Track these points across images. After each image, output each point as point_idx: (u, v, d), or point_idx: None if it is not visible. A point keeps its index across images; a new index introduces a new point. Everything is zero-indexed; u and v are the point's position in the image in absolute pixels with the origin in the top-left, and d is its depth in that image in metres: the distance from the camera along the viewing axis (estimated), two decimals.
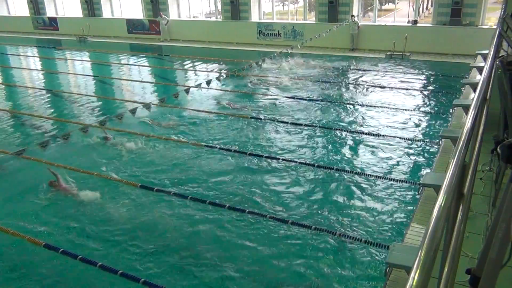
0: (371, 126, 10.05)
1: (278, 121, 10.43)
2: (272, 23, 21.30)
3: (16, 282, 5.25)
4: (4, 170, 8.06)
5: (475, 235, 4.24)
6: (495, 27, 11.57)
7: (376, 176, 7.46)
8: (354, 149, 8.84)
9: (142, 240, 5.93)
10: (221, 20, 22.92)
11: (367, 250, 5.53)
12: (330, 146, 9.07)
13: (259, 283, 5.16)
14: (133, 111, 8.51)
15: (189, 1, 24.18)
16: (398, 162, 8.07)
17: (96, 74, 17.39)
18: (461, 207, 2.04)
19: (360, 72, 15.76)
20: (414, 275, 1.09)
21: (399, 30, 18.02)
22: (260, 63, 13.16)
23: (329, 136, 9.60)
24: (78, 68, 19.00)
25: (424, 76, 15.13)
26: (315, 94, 12.91)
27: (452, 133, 5.36)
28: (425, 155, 8.44)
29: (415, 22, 18.50)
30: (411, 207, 6.30)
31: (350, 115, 11.05)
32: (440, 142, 7.54)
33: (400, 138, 9.15)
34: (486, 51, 7.03)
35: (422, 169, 7.73)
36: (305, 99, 12.32)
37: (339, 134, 9.65)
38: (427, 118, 10.62)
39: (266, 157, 8.37)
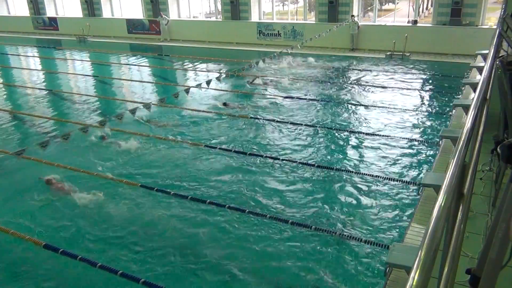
0: (371, 126, 10.04)
1: (278, 121, 10.43)
2: (272, 23, 21.31)
3: (16, 282, 5.26)
4: (4, 170, 8.06)
5: (475, 235, 4.24)
6: (495, 27, 11.57)
7: (376, 176, 7.46)
8: (354, 149, 8.84)
9: (142, 240, 5.93)
10: (221, 20, 22.92)
11: (367, 250, 5.53)
12: (330, 146, 9.07)
13: (259, 283, 5.16)
14: (133, 111, 8.51)
15: (189, 1, 24.18)
16: (398, 162, 8.07)
17: (96, 74, 17.39)
18: (461, 207, 2.04)
19: (360, 72, 15.76)
20: (414, 275, 1.09)
21: (399, 30, 18.02)
22: (259, 63, 13.14)
23: (329, 136, 9.60)
24: (78, 68, 19.00)
25: (424, 76, 15.12)
26: (315, 94, 12.92)
27: (452, 133, 5.35)
28: (425, 155, 8.44)
29: (415, 22, 18.50)
30: (411, 207, 6.29)
31: (350, 115, 11.05)
32: (440, 142, 7.53)
33: (400, 138, 9.15)
34: (486, 51, 7.03)
35: (422, 169, 7.73)
36: (305, 99, 12.32)
37: (339, 134, 9.65)
38: (427, 118, 10.62)
39: (266, 157, 8.38)
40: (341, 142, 9.31)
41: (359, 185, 7.21)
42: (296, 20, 23.20)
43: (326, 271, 5.23)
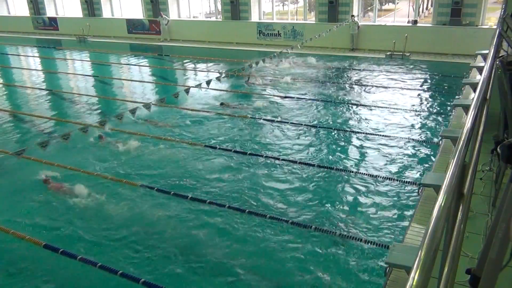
0: (371, 126, 10.04)
1: (278, 121, 10.43)
2: (272, 23, 21.31)
3: (16, 282, 5.25)
4: (5, 169, 8.06)
5: (475, 235, 4.24)
6: (495, 27, 11.57)
7: (376, 176, 7.46)
8: (354, 149, 8.84)
9: (142, 240, 5.93)
10: (221, 20, 22.92)
11: (367, 250, 5.53)
12: (330, 146, 9.07)
13: (258, 283, 5.15)
14: (133, 111, 8.51)
15: (189, 1, 24.18)
16: (398, 162, 8.07)
17: (96, 74, 17.39)
18: (461, 207, 2.04)
19: (360, 72, 15.76)
20: (414, 275, 1.09)
21: (399, 30, 18.02)
22: (259, 63, 13.14)
23: (329, 136, 9.60)
24: (78, 68, 19.00)
25: (424, 76, 15.12)
26: (315, 94, 12.92)
27: (452, 133, 5.35)
28: (425, 155, 8.44)
29: (415, 22, 18.50)
30: (411, 207, 6.30)
31: (350, 115, 11.06)
32: (440, 142, 7.54)
33: (400, 138, 9.16)
34: (486, 51, 7.03)
35: (422, 169, 7.73)
36: (305, 99, 12.32)
37: (339, 134, 9.65)
38: (427, 118, 10.62)
39: (266, 156, 8.38)
40: (341, 142, 9.31)
41: (359, 185, 7.21)
42: (296, 20, 23.20)
43: (326, 271, 5.23)
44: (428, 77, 14.97)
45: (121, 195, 7.10)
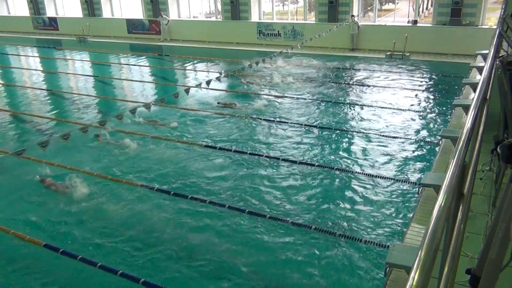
0: (371, 126, 10.04)
1: (277, 121, 10.43)
2: (272, 23, 21.30)
3: (16, 282, 5.26)
4: (5, 169, 8.06)
5: (475, 235, 4.23)
6: (495, 27, 11.57)
7: (376, 176, 7.46)
8: (353, 149, 8.83)
9: (142, 240, 5.93)
10: (221, 20, 22.92)
11: (367, 250, 5.53)
12: (330, 146, 9.07)
13: (258, 283, 5.16)
14: (133, 111, 8.51)
15: (189, 1, 24.18)
16: (398, 162, 8.07)
17: (96, 74, 17.40)
18: (461, 207, 2.04)
19: (360, 72, 15.76)
20: (414, 275, 1.09)
21: (399, 30, 18.02)
22: (259, 63, 13.13)
23: (329, 136, 9.60)
24: (78, 68, 19.00)
25: (424, 76, 15.12)
26: (315, 94, 12.91)
27: (452, 133, 5.35)
28: (425, 155, 8.44)
29: (415, 22, 18.50)
30: (411, 207, 6.30)
31: (350, 115, 11.06)
32: (440, 142, 7.54)
33: (400, 138, 9.16)
34: (486, 51, 7.03)
35: (422, 169, 7.73)
36: (305, 99, 12.32)
37: (339, 134, 9.65)
38: (427, 118, 10.62)
39: (266, 156, 8.38)
40: (341, 142, 9.31)
41: (359, 185, 7.21)
42: (296, 20, 23.20)
43: (326, 271, 5.23)
44: (428, 77, 14.96)
45: (121, 195, 7.10)
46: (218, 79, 11.21)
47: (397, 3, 22.04)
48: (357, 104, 11.80)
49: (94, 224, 6.34)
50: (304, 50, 17.48)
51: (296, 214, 6.40)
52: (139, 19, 24.79)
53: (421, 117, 10.64)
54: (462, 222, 2.00)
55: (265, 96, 12.84)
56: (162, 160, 8.39)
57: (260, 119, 10.64)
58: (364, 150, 8.70)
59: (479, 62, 8.99)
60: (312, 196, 6.97)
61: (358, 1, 19.47)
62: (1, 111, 12.23)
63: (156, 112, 11.04)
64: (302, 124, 10.16)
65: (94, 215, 6.57)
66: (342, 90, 13.45)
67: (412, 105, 11.63)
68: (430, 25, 18.30)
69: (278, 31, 20.85)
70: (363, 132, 9.58)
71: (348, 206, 6.66)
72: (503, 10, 8.65)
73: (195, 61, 19.01)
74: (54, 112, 12.34)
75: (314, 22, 20.50)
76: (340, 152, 8.73)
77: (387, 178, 7.38)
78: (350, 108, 11.56)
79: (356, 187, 7.18)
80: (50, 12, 28.21)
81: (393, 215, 6.35)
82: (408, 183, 7.22)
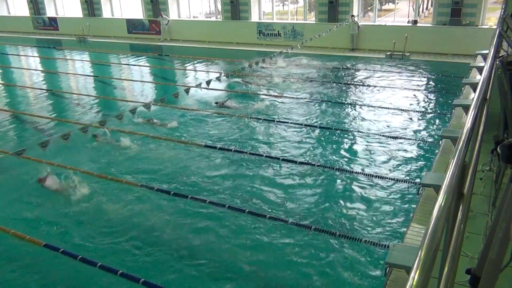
0: (371, 126, 10.04)
1: (277, 121, 10.43)
2: (272, 23, 21.30)
3: (16, 282, 5.26)
4: (5, 169, 8.06)
5: (475, 235, 4.23)
6: (495, 27, 11.57)
7: (376, 176, 7.46)
8: (354, 149, 8.83)
9: (142, 240, 5.93)
10: (221, 20, 22.92)
11: (367, 250, 5.53)
12: (330, 146, 9.07)
13: (258, 283, 5.16)
14: (133, 111, 8.51)
15: (189, 1, 24.18)
16: (398, 162, 8.07)
17: (96, 74, 17.40)
18: (461, 207, 2.04)
19: (360, 72, 15.76)
20: (414, 275, 1.09)
21: (399, 30, 18.02)
22: (259, 63, 13.14)
23: (329, 136, 9.60)
24: (78, 68, 18.99)
25: (424, 76, 15.12)
26: (315, 94, 12.91)
27: (452, 133, 5.34)
28: (425, 155, 8.44)
29: (415, 22, 18.49)
30: (411, 207, 6.30)
31: (350, 115, 11.05)
32: (440, 142, 7.53)
33: (400, 138, 9.16)
34: (486, 51, 7.03)
35: (422, 169, 7.73)
36: (305, 99, 12.32)
37: (339, 134, 9.65)
38: (427, 118, 10.62)
39: (266, 156, 8.38)
40: (341, 142, 9.31)
41: (359, 185, 7.21)
42: (296, 20, 23.19)
43: (325, 271, 5.23)
44: (428, 77, 14.96)
45: (121, 195, 7.10)
46: (218, 79, 11.21)
47: (397, 3, 22.04)
48: (357, 104, 11.80)
49: (94, 224, 6.34)
50: (304, 50, 17.48)
51: (296, 214, 6.40)
52: (139, 19, 24.79)
53: (421, 117, 10.64)
54: (462, 222, 2.00)
55: (265, 96, 12.85)
56: (162, 160, 8.39)
57: (260, 119, 10.63)
58: (364, 150, 8.69)
59: (479, 62, 8.98)
60: (312, 196, 6.97)
61: (358, 1, 19.47)
62: (1, 111, 12.22)
63: (156, 112, 11.04)
64: (302, 124, 10.16)
65: (94, 215, 6.57)
66: (342, 90, 13.45)
67: (412, 105, 11.63)
68: (430, 25, 18.30)
69: (278, 31, 20.85)
70: (363, 132, 9.58)
71: (348, 206, 6.66)
72: (503, 10, 8.66)
73: (195, 61, 19.01)
74: (54, 112, 12.35)
75: (314, 22, 20.50)
76: (340, 152, 8.73)
77: (387, 178, 7.38)
78: (350, 108, 11.56)
79: (356, 187, 7.18)
80: (50, 12, 28.21)
81: (393, 215, 6.35)
82: (408, 183, 7.22)
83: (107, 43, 23.77)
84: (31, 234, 5.99)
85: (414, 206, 5.82)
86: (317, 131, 9.83)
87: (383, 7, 26.21)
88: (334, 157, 8.46)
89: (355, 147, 8.95)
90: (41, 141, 6.82)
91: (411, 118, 10.52)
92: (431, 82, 14.40)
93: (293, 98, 12.47)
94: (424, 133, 9.61)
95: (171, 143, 9.27)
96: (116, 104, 12.94)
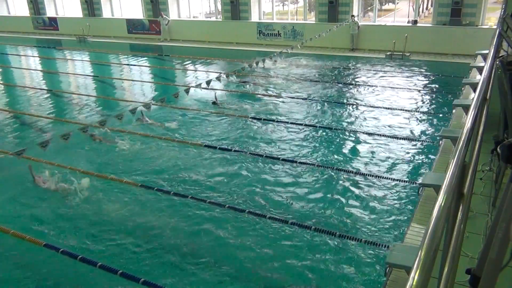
0: (371, 126, 10.04)
1: (278, 121, 10.43)
2: (272, 23, 21.30)
3: (16, 282, 5.26)
4: (5, 169, 8.06)
5: (475, 235, 4.24)
6: (495, 27, 11.57)
7: (376, 176, 7.46)
8: (354, 149, 8.83)
9: (142, 240, 5.93)
10: (221, 20, 22.92)
11: (367, 250, 5.53)
12: (330, 146, 9.07)
13: (258, 283, 5.16)
14: (133, 111, 8.51)
15: (189, 1, 24.18)
16: (398, 162, 8.07)
17: (96, 74, 17.39)
18: (461, 207, 2.04)
19: (360, 72, 15.76)
20: (414, 275, 1.09)
21: (399, 30, 18.02)
22: (259, 63, 13.14)
23: (329, 136, 9.60)
24: (78, 68, 19.00)
25: (424, 76, 15.12)
26: (315, 94, 12.91)
27: (452, 133, 5.35)
28: (425, 155, 8.44)
29: (415, 22, 18.50)
30: (411, 207, 6.30)
31: (350, 115, 11.05)
32: (440, 142, 7.53)
33: (400, 138, 9.15)
34: (486, 51, 7.03)
35: (422, 169, 7.73)
36: (305, 99, 12.32)
37: (339, 134, 9.65)
38: (427, 118, 10.62)
39: (266, 156, 8.37)
40: (341, 142, 9.31)
41: (359, 185, 7.21)
42: (296, 20, 23.19)
43: (325, 271, 5.23)
44: (428, 77, 14.97)
45: (121, 195, 7.10)
46: (218, 79, 11.21)
47: (397, 3, 22.04)
48: (357, 104, 11.79)
49: (94, 224, 6.33)
50: (304, 50, 17.49)
51: (296, 214, 6.40)
52: (139, 19, 24.79)
53: (421, 117, 10.64)
54: (462, 222, 2.00)
55: (265, 96, 12.84)
56: (162, 160, 8.39)
57: (260, 119, 10.63)
58: (363, 150, 8.69)
59: (479, 62, 8.99)
60: (312, 196, 6.97)
61: (358, 1, 19.47)
62: (1, 111, 12.22)
63: (156, 112, 11.04)
64: (302, 124, 10.16)
65: (94, 215, 6.57)
66: (342, 90, 13.45)
67: (412, 105, 11.63)
68: (430, 25, 18.30)
69: (278, 31, 20.85)
70: (363, 132, 9.57)
71: (347, 206, 6.66)
72: (503, 10, 8.66)
73: (195, 61, 19.01)
74: (54, 112, 12.34)
75: (314, 22, 20.50)
76: (340, 152, 8.73)
77: (387, 178, 7.38)
78: (350, 108, 11.56)
79: (356, 187, 7.17)
80: (50, 12, 28.21)
81: (393, 215, 6.35)
82: (408, 183, 7.22)
83: (107, 43, 23.77)
84: (31, 234, 5.99)
85: (414, 206, 5.82)
86: (317, 131, 9.83)
87: (383, 7, 26.21)
88: (334, 157, 8.46)
89: (355, 147, 8.94)
90: (41, 141, 6.82)
91: (411, 118, 10.52)
92: (431, 82, 14.40)
93: (293, 98, 12.47)
94: (424, 133, 9.60)
95: (171, 143, 9.27)
96: (116, 104, 12.93)
